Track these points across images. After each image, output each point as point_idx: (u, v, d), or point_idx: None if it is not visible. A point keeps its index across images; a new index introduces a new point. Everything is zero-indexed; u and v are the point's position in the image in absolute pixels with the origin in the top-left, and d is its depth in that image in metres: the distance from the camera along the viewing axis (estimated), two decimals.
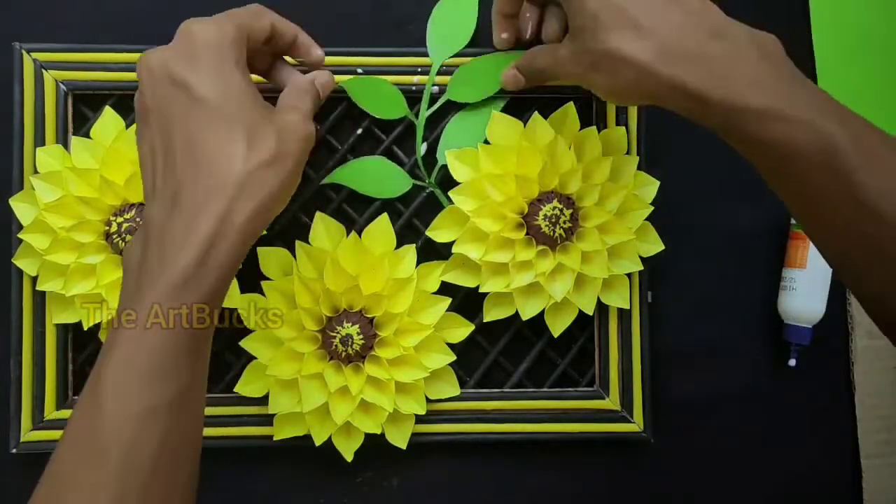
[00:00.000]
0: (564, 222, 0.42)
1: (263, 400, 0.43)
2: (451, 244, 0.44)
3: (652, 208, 0.44)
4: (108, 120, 0.43)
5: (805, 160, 0.30)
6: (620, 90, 0.34)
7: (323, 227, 0.43)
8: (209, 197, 0.31)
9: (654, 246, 0.45)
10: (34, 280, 0.43)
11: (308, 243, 0.43)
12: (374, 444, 0.44)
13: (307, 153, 0.35)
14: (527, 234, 0.43)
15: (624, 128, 0.45)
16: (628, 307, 0.45)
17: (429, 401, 0.44)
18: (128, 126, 0.43)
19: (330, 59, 0.45)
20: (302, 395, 0.42)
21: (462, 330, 0.45)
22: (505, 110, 0.45)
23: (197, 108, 0.32)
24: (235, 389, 0.44)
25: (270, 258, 0.43)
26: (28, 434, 0.43)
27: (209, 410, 0.44)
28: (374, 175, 0.46)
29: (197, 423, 0.33)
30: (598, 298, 0.44)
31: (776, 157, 0.31)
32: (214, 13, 0.36)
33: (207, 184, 0.31)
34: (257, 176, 0.32)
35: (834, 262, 0.34)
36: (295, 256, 0.43)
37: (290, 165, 0.33)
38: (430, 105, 0.45)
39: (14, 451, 0.43)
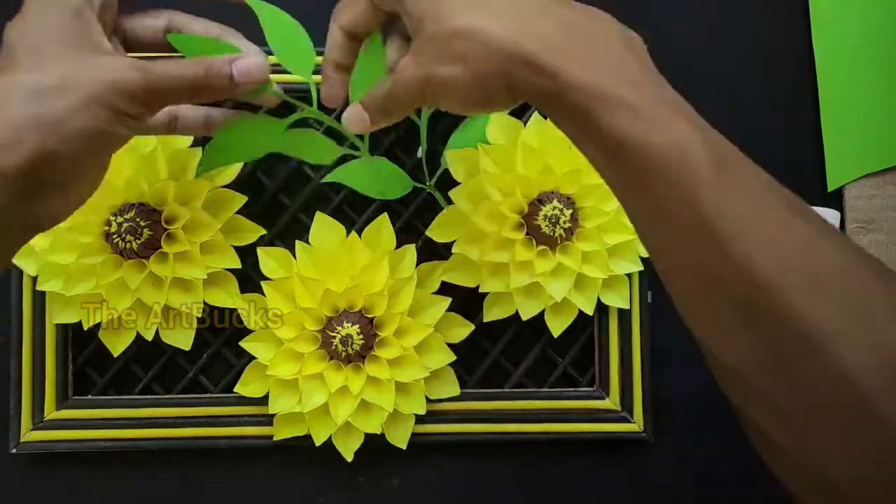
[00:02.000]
0: (564, 222, 0.42)
1: (263, 400, 0.43)
2: (451, 244, 0.44)
3: None
4: None
5: (656, 164, 0.26)
6: (469, 81, 0.29)
7: (323, 227, 0.43)
8: None
9: None
10: (34, 280, 0.43)
11: (308, 243, 0.43)
12: (374, 444, 0.44)
13: (112, 106, 0.29)
14: (527, 234, 0.43)
15: None
16: (628, 307, 0.45)
17: (429, 401, 0.44)
18: None
19: None
20: (302, 395, 0.42)
21: (462, 330, 0.45)
22: None
23: (5, 36, 0.30)
24: (235, 389, 0.44)
25: (270, 258, 0.43)
26: (28, 434, 0.43)
27: (209, 410, 0.44)
28: (375, 175, 0.46)
29: None
30: (598, 298, 0.44)
31: (626, 157, 0.26)
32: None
33: None
34: (16, 95, 0.27)
35: (679, 304, 0.29)
36: (295, 256, 0.43)
37: (63, 104, 0.28)
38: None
39: (14, 451, 0.43)
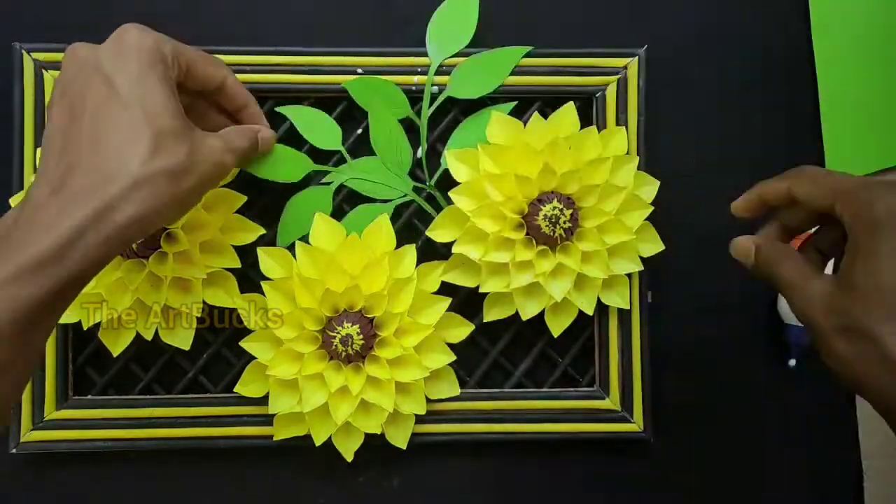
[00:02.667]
0: (564, 222, 0.42)
1: (263, 400, 0.43)
2: (451, 244, 0.44)
3: (652, 208, 0.44)
4: None
5: None
6: (860, 381, 0.28)
7: (323, 227, 0.43)
8: (96, 187, 0.30)
9: (654, 246, 0.45)
10: None
11: (308, 243, 0.43)
12: (374, 444, 0.44)
13: (214, 181, 0.36)
14: (527, 234, 0.43)
15: (624, 128, 0.45)
16: (628, 307, 0.45)
17: (429, 401, 0.44)
18: None
19: (330, 59, 0.45)
20: (302, 395, 0.42)
21: (462, 330, 0.45)
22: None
23: (113, 102, 0.32)
24: (235, 389, 0.44)
25: (270, 258, 0.43)
26: (28, 434, 0.43)
27: (209, 410, 0.44)
28: (375, 176, 0.46)
29: None
30: (598, 298, 0.44)
31: None
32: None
33: (99, 174, 0.31)
34: (152, 181, 0.31)
35: None
36: (295, 256, 0.43)
37: (190, 183, 0.33)
38: (430, 104, 0.45)
39: (14, 451, 0.43)
